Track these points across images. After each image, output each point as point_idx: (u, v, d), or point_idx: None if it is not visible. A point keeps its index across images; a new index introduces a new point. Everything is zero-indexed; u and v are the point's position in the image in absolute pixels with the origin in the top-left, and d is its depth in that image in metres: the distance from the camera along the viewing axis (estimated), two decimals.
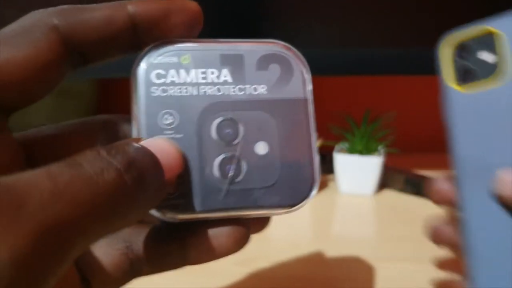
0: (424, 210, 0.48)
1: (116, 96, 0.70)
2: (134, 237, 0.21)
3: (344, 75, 0.54)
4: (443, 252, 0.39)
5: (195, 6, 0.19)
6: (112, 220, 0.15)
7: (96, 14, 0.18)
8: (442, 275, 0.35)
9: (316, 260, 0.37)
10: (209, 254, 0.19)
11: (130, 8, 0.18)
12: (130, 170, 0.15)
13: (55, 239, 0.13)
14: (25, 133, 0.20)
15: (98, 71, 0.45)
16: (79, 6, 0.18)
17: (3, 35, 0.17)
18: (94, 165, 0.15)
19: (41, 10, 0.18)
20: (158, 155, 0.17)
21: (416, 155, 0.60)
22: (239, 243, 0.20)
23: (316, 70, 0.37)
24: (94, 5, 0.18)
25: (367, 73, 0.47)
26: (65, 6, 0.18)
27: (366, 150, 0.51)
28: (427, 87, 0.67)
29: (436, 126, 0.74)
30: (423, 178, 0.51)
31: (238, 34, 0.21)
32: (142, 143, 0.17)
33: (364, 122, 0.51)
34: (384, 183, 0.53)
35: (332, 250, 0.39)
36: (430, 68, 0.48)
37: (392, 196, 0.51)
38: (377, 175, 0.50)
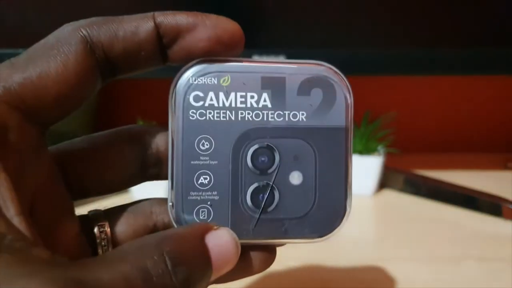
0: (424, 210, 0.48)
1: (117, 97, 0.70)
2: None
3: (344, 75, 0.54)
4: (443, 252, 0.39)
5: (232, 25, 0.19)
6: None
7: (124, 24, 0.18)
8: (442, 274, 0.35)
9: (315, 260, 0.37)
10: (233, 274, 0.19)
11: (157, 18, 0.19)
12: (180, 277, 0.16)
13: None
14: (58, 146, 0.20)
15: None
16: (109, 17, 0.18)
17: (35, 50, 0.18)
18: (159, 279, 0.15)
19: (72, 23, 0.18)
20: (215, 257, 0.17)
21: (416, 155, 0.60)
22: (262, 267, 0.20)
23: None
24: (123, 16, 0.19)
25: (367, 73, 0.47)
26: (95, 18, 0.18)
27: (366, 150, 0.51)
28: (427, 87, 0.67)
29: (436, 126, 0.74)
30: (423, 178, 0.51)
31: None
32: (207, 239, 0.17)
33: (364, 122, 0.51)
34: (384, 183, 0.53)
35: (332, 250, 0.39)
36: (430, 68, 0.48)
37: (392, 196, 0.51)
38: (377, 175, 0.50)
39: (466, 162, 0.61)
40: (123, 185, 0.22)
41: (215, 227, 0.18)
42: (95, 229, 0.20)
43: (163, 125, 0.21)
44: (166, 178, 0.21)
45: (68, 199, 0.20)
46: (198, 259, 0.17)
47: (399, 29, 0.46)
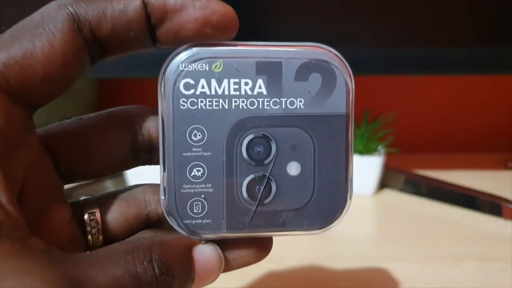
0: (424, 210, 0.48)
1: (118, 96, 0.70)
2: None
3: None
4: (443, 252, 0.39)
5: (222, 7, 0.18)
6: None
7: (112, 2, 0.17)
8: (442, 274, 0.35)
9: (315, 260, 0.37)
10: (226, 265, 0.19)
11: None
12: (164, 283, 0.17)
13: None
14: (46, 129, 0.20)
15: (99, 70, 0.45)
16: None
17: (20, 28, 0.17)
18: (147, 286, 0.16)
19: (57, 1, 0.17)
20: (199, 270, 0.18)
21: (416, 155, 0.60)
22: (257, 258, 0.20)
23: None
24: None
25: (367, 73, 0.47)
26: None
27: (366, 150, 0.51)
28: (427, 87, 0.67)
29: (436, 126, 0.74)
30: (423, 178, 0.51)
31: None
32: (194, 252, 0.18)
33: (364, 122, 0.51)
34: (384, 183, 0.53)
35: (332, 250, 0.39)
36: (430, 68, 0.48)
37: (392, 196, 0.51)
38: (377, 175, 0.50)
39: (466, 162, 0.61)
40: (113, 169, 0.21)
41: (203, 242, 0.19)
42: (85, 216, 0.20)
43: (156, 109, 0.20)
44: (157, 164, 0.20)
45: (59, 183, 0.19)
46: (183, 270, 0.18)
47: (399, 29, 0.46)
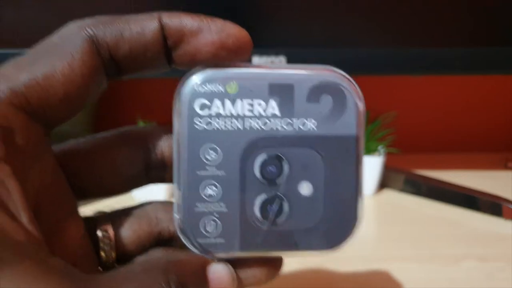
0: (424, 210, 0.48)
1: (118, 96, 0.70)
2: None
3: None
4: (443, 251, 0.39)
5: (238, 31, 0.18)
6: None
7: (130, 24, 0.18)
8: (442, 274, 0.35)
9: (315, 260, 0.37)
10: (238, 284, 0.20)
11: (163, 19, 0.18)
12: None
13: None
14: (61, 146, 0.20)
15: None
16: (114, 16, 0.18)
17: (40, 49, 0.17)
18: None
19: (77, 21, 0.18)
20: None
21: (416, 155, 0.60)
22: (269, 277, 0.20)
23: None
24: (129, 15, 0.18)
25: (367, 73, 0.47)
26: (100, 17, 0.18)
27: (366, 150, 0.51)
28: (427, 87, 0.67)
29: (436, 126, 0.74)
30: (423, 178, 0.51)
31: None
32: (208, 271, 0.19)
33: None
34: (384, 183, 0.53)
35: None
36: (430, 68, 0.48)
37: (392, 196, 0.51)
38: (377, 175, 0.50)
39: (466, 162, 0.61)
40: (126, 187, 0.21)
41: (216, 261, 0.19)
42: (98, 233, 0.20)
43: (169, 127, 0.20)
44: (170, 181, 0.20)
45: (73, 199, 0.20)
46: (199, 284, 0.18)
47: (399, 29, 0.46)
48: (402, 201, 0.50)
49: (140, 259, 0.20)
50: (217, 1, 0.43)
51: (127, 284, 0.15)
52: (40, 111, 0.17)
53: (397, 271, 0.35)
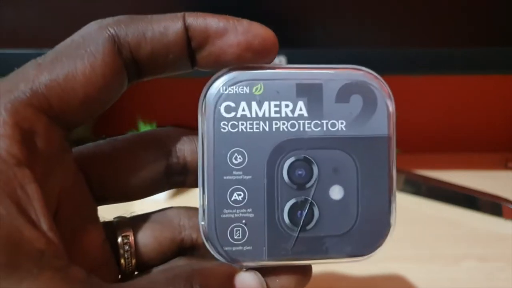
0: (424, 210, 0.48)
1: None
2: None
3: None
4: (443, 252, 0.39)
5: (264, 31, 0.18)
6: None
7: (152, 24, 0.17)
8: (442, 274, 0.35)
9: None
10: None
11: (187, 19, 0.17)
12: None
13: None
14: (80, 149, 0.19)
15: None
16: (137, 16, 0.17)
17: (61, 49, 0.17)
18: None
19: (98, 21, 0.17)
20: None
21: (416, 155, 0.60)
22: (298, 285, 0.19)
23: None
24: (151, 15, 0.18)
25: None
26: (122, 16, 0.17)
27: None
28: (427, 87, 0.67)
29: (436, 126, 0.74)
30: (423, 178, 0.51)
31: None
32: (236, 281, 0.17)
33: None
34: None
35: None
36: (430, 68, 0.48)
37: None
38: None
39: (466, 162, 0.60)
40: (146, 192, 0.20)
41: (244, 269, 0.18)
42: (119, 239, 0.19)
43: (190, 130, 0.20)
44: (191, 187, 0.20)
45: (92, 204, 0.19)
46: None
47: (399, 29, 0.46)
48: (402, 201, 0.50)
49: (162, 268, 0.20)
50: (216, 1, 0.43)
51: None
52: (61, 113, 0.16)
53: (397, 271, 0.35)
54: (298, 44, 0.45)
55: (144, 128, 0.50)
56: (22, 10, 0.42)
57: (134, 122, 0.51)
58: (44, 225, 0.14)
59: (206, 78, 0.18)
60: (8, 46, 0.42)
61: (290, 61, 0.44)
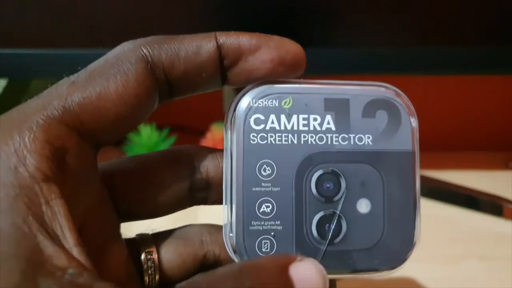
0: (424, 210, 0.48)
1: None
2: None
3: (344, 75, 0.54)
4: (444, 251, 0.39)
5: (295, 47, 0.18)
6: None
7: (185, 44, 0.17)
8: (443, 274, 0.35)
9: None
10: None
11: (219, 38, 0.18)
12: None
13: None
14: (104, 166, 0.19)
15: None
16: (169, 36, 0.18)
17: (95, 68, 0.17)
18: None
19: (132, 41, 0.17)
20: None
21: None
22: None
23: (315, 69, 0.36)
24: (184, 35, 0.18)
25: (367, 73, 0.47)
26: (155, 37, 0.18)
27: None
28: (427, 87, 0.67)
29: (436, 126, 0.74)
30: (423, 178, 0.51)
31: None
32: (294, 269, 0.15)
33: None
34: None
35: None
36: (431, 68, 0.48)
37: None
38: None
39: (466, 162, 0.60)
40: (169, 209, 0.20)
41: (299, 258, 0.16)
42: (142, 256, 0.19)
43: (213, 148, 0.20)
44: (213, 203, 0.20)
45: (117, 222, 0.19)
46: None
47: (398, 29, 0.46)
48: None
49: (185, 283, 0.19)
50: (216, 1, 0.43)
51: None
52: (92, 131, 0.16)
53: (397, 271, 0.35)
54: (298, 43, 0.45)
55: (143, 128, 0.50)
56: (22, 10, 0.42)
57: None
58: (69, 241, 0.14)
59: None
60: (8, 46, 0.42)
61: None
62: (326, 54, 0.43)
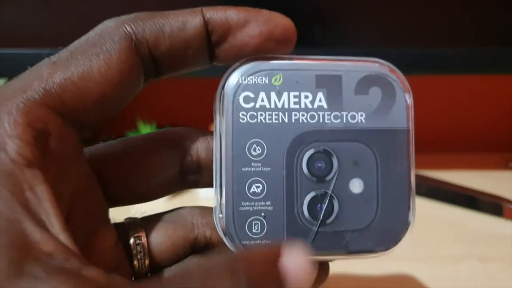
0: (424, 210, 0.48)
1: None
2: None
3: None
4: (444, 252, 0.38)
5: (285, 21, 0.18)
6: None
7: (170, 20, 0.17)
8: (443, 274, 0.35)
9: None
10: None
11: (206, 13, 0.17)
12: None
13: None
14: (91, 150, 0.19)
15: None
16: (154, 12, 0.17)
17: (77, 47, 0.16)
18: None
19: (114, 18, 0.17)
20: (291, 281, 0.14)
21: (416, 155, 0.60)
22: (318, 282, 0.18)
23: None
24: (169, 11, 0.17)
25: None
26: (138, 13, 0.17)
27: None
28: (427, 87, 0.67)
29: (436, 126, 0.74)
30: (423, 178, 0.51)
31: None
32: (284, 262, 0.14)
33: None
34: None
35: None
36: (431, 68, 0.48)
37: None
38: None
39: (466, 162, 0.60)
40: (160, 193, 0.20)
41: (290, 247, 0.16)
42: (131, 240, 0.19)
43: (204, 130, 0.20)
44: (205, 186, 0.20)
45: (105, 206, 0.19)
46: (274, 286, 0.15)
47: (398, 28, 0.45)
48: None
49: (175, 267, 0.19)
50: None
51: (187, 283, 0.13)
52: (75, 112, 0.16)
53: (398, 271, 0.35)
54: (299, 43, 0.45)
55: (143, 128, 0.49)
56: (22, 9, 0.42)
57: (133, 122, 0.51)
58: (56, 226, 0.14)
59: (206, 77, 0.18)
60: (8, 46, 0.42)
61: None
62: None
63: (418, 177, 0.51)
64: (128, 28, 0.16)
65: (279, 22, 0.17)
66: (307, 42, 0.45)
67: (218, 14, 0.17)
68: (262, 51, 0.18)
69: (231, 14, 0.17)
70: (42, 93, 0.15)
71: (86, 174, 0.17)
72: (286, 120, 0.18)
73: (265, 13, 0.17)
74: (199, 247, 0.20)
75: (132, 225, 0.20)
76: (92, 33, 0.17)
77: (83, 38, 0.17)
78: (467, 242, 0.40)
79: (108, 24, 0.17)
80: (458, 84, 0.66)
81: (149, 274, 0.19)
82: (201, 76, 0.19)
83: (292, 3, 0.43)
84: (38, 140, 0.15)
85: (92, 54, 0.16)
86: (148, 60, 0.17)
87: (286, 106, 0.18)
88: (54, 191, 0.14)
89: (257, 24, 0.17)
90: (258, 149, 0.18)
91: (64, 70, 0.16)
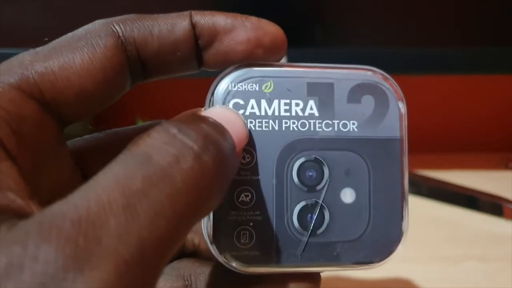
0: (425, 210, 0.48)
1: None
2: (195, 276, 0.18)
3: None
4: (444, 252, 0.38)
5: (274, 28, 0.17)
6: (194, 219, 0.13)
7: (159, 22, 0.17)
8: (443, 274, 0.35)
9: None
10: None
11: (194, 17, 0.17)
12: (208, 148, 0.13)
13: (138, 269, 0.11)
14: (75, 142, 0.19)
15: None
16: (143, 14, 0.17)
17: (62, 40, 0.16)
18: (166, 153, 0.12)
19: (104, 19, 0.17)
20: (226, 126, 0.15)
21: (416, 155, 0.60)
22: None
23: None
24: (158, 14, 0.17)
25: None
26: (128, 15, 0.17)
27: None
28: (427, 87, 0.67)
29: (436, 126, 0.74)
30: (423, 178, 0.51)
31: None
32: (206, 113, 0.15)
33: None
34: None
35: None
36: (430, 68, 0.48)
37: None
38: None
39: (466, 162, 0.60)
40: None
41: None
42: None
43: None
44: None
45: None
46: (219, 131, 0.14)
47: (398, 28, 0.45)
48: None
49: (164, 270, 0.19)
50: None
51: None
52: (53, 102, 0.16)
53: (398, 272, 0.35)
54: (299, 43, 0.45)
55: None
56: (22, 9, 0.42)
57: (133, 122, 0.51)
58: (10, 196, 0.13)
59: (206, 77, 0.18)
60: (8, 46, 0.42)
61: (291, 60, 0.44)
62: (326, 54, 0.43)
63: (418, 177, 0.51)
64: (116, 27, 0.16)
65: (268, 29, 0.17)
66: (307, 42, 0.44)
67: (205, 19, 0.17)
68: (251, 58, 0.17)
69: (218, 19, 0.17)
70: (19, 78, 0.15)
71: (69, 168, 0.17)
72: (276, 128, 0.17)
73: (253, 19, 0.17)
74: (187, 253, 0.20)
75: None
76: (79, 29, 0.17)
77: (70, 33, 0.17)
78: (467, 242, 0.40)
79: (97, 23, 0.17)
80: (458, 84, 0.66)
81: None
82: (201, 76, 0.19)
83: (292, 3, 0.43)
84: (7, 120, 0.14)
85: (76, 47, 0.16)
86: (136, 61, 0.17)
87: (276, 113, 0.17)
88: (31, 176, 0.14)
89: (245, 30, 0.17)
90: (248, 157, 0.17)
91: (45, 60, 0.15)
